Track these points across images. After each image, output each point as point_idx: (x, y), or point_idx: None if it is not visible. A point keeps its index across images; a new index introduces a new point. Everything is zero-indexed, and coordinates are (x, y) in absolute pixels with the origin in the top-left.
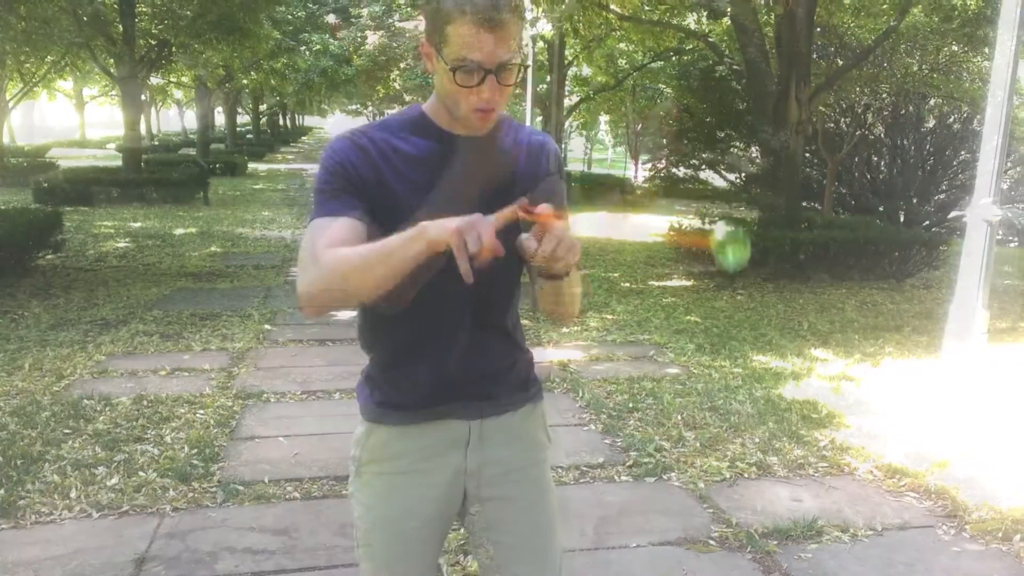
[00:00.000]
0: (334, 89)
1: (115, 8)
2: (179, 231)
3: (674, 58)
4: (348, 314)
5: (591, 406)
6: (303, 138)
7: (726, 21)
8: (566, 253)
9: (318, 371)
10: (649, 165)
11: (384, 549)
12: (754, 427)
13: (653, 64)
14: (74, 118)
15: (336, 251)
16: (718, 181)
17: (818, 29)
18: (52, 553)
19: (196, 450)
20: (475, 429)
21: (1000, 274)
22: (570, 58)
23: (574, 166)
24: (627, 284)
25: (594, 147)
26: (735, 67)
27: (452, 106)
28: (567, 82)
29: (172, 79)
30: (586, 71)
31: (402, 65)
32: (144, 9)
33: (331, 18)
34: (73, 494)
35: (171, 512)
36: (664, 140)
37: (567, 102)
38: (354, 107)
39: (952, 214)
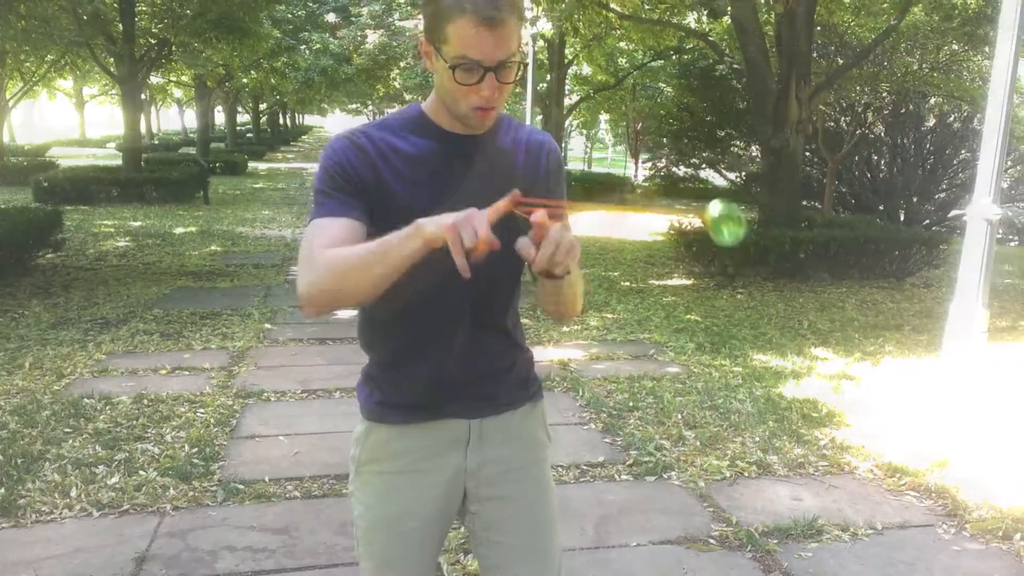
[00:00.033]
0: (334, 88)
1: (115, 7)
2: (179, 230)
3: (674, 57)
4: (348, 313)
5: (591, 405)
6: (303, 137)
7: (726, 20)
8: (565, 256)
9: (318, 370)
10: (649, 164)
11: (384, 548)
12: (754, 426)
13: (653, 63)
14: (74, 117)
15: (334, 251)
16: (718, 180)
17: (818, 28)
18: (52, 552)
19: (196, 449)
20: (475, 428)
21: (1000, 273)
22: (570, 57)
23: (574, 165)
24: (627, 283)
25: (594, 146)
26: (735, 66)
27: (452, 105)
28: (567, 81)
29: (172, 78)
30: (586, 70)
31: (402, 64)
32: (144, 8)
33: (331, 17)
34: (73, 493)
35: (171, 511)
36: (664, 139)
37: (567, 101)
38: (354, 106)
39: (952, 213)
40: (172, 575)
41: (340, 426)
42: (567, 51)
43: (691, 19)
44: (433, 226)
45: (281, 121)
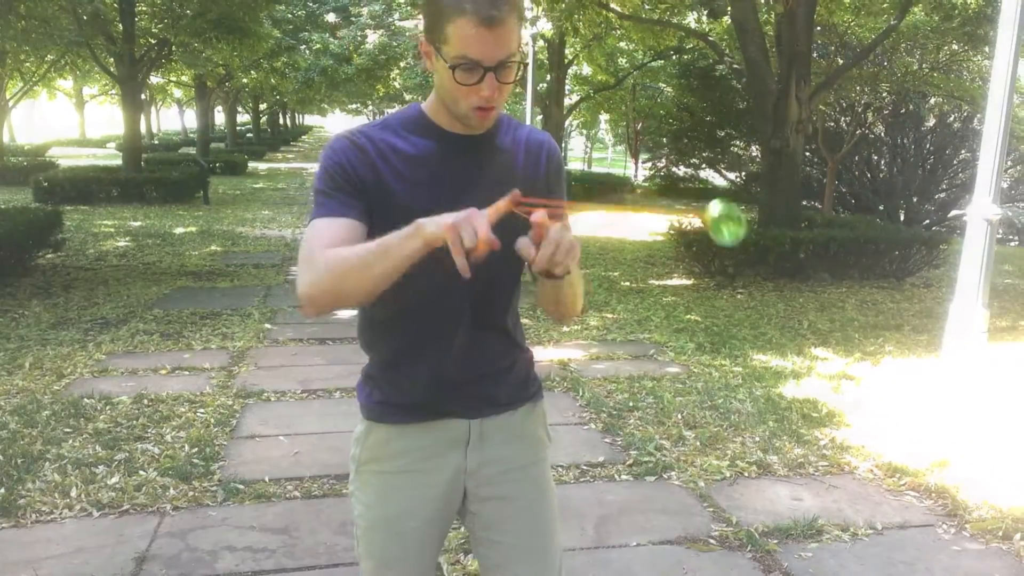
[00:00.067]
0: (334, 88)
1: (115, 7)
2: (179, 230)
3: (674, 57)
4: (348, 313)
5: (591, 405)
6: (303, 137)
7: (726, 20)
8: (565, 256)
9: (318, 370)
10: (649, 164)
11: (383, 548)
12: (754, 426)
13: (653, 63)
14: (74, 117)
15: (334, 251)
16: (718, 180)
17: (818, 28)
18: (52, 552)
19: (196, 449)
20: (475, 428)
21: (1000, 273)
22: (570, 57)
23: (574, 165)
24: (627, 283)
25: (594, 146)
26: (735, 66)
27: (451, 104)
28: (567, 81)
29: (172, 78)
30: (586, 70)
31: (402, 64)
32: (144, 8)
33: (331, 17)
34: (74, 493)
35: (171, 511)
36: (664, 139)
37: (567, 101)
38: (354, 106)
39: (952, 213)
40: (172, 575)
41: (340, 426)
42: (567, 51)
43: (691, 19)
44: (433, 226)
45: (281, 121)
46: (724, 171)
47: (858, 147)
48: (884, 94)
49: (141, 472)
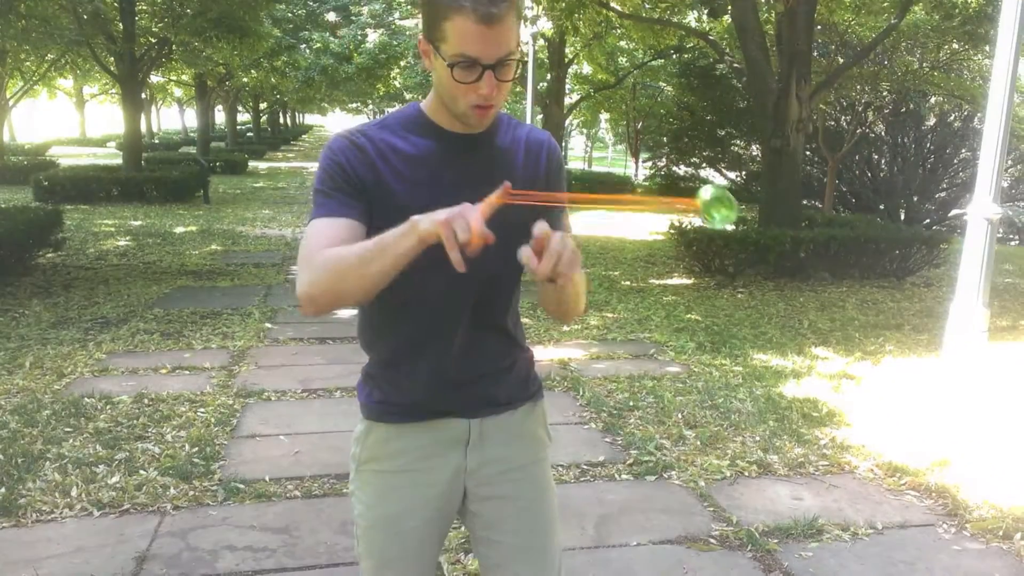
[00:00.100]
0: (334, 87)
1: (115, 6)
2: (179, 229)
3: (675, 56)
4: (348, 313)
5: (591, 404)
6: (303, 136)
7: (727, 19)
8: (567, 267)
9: (318, 369)
10: (649, 163)
11: (383, 547)
12: (755, 425)
13: (654, 62)
14: (74, 116)
15: (333, 250)
16: (719, 179)
17: (819, 27)
18: (53, 551)
19: (197, 448)
20: (475, 428)
21: (1000, 272)
22: (570, 56)
23: (574, 164)
24: (627, 282)
25: (594, 145)
26: (736, 65)
27: (450, 103)
28: (567, 80)
29: (172, 77)
30: (586, 69)
31: (402, 63)
32: (144, 7)
33: (331, 16)
34: (74, 492)
35: (172, 510)
36: (664, 138)
37: (567, 100)
38: (354, 105)
39: (953, 212)
40: (173, 574)
41: (340, 425)
42: (567, 50)
43: (691, 18)
44: (427, 222)
45: (281, 120)
46: (724, 170)
47: (858, 146)
48: (884, 93)
49: (141, 471)
